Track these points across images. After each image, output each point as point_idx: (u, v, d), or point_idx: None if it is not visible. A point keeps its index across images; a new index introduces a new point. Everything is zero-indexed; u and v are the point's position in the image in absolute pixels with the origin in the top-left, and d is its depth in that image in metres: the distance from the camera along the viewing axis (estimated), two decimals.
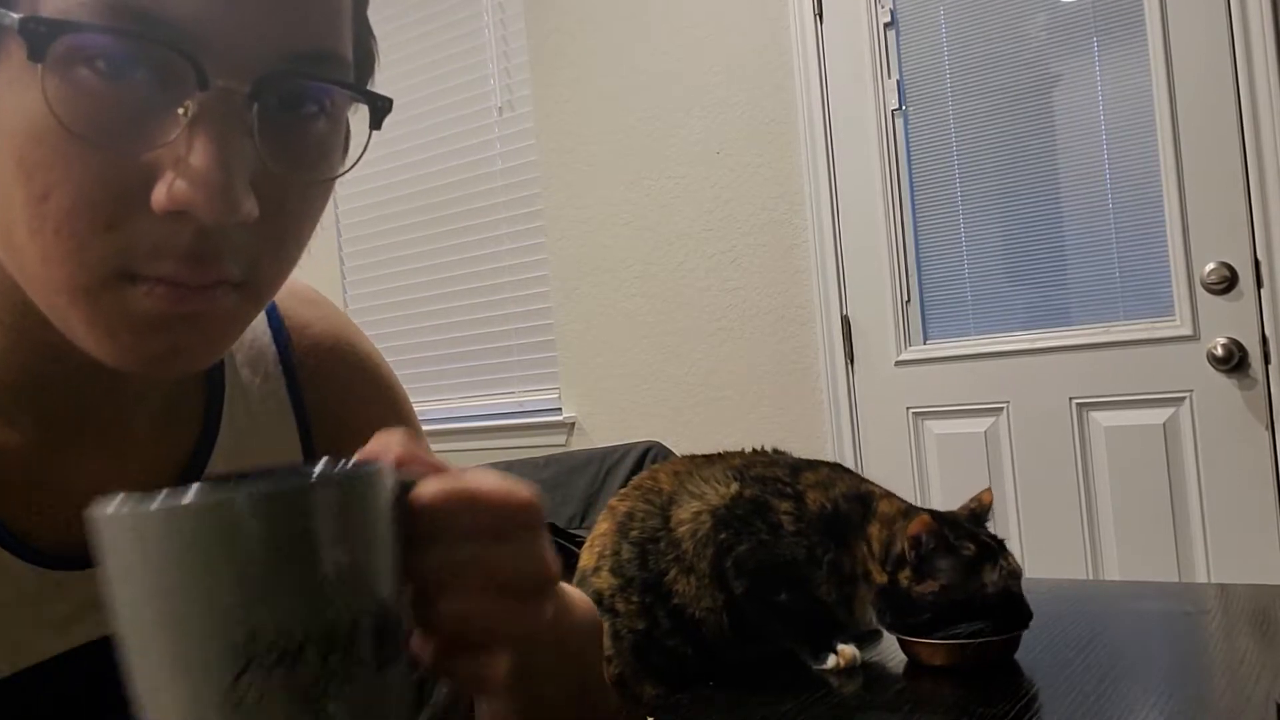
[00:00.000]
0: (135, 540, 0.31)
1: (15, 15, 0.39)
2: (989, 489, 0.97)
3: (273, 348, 0.63)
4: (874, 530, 0.93)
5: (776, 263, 2.59)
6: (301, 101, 0.44)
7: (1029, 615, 0.89)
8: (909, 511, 0.93)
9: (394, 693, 0.34)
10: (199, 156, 0.40)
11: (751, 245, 2.63)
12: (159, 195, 0.40)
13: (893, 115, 2.42)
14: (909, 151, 2.42)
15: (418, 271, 3.31)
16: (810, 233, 2.53)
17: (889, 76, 2.42)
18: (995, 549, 0.89)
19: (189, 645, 0.31)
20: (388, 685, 0.34)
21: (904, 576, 0.89)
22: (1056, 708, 0.78)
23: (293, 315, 0.65)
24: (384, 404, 0.68)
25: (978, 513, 0.94)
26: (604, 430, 2.90)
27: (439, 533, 0.38)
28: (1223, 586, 1.14)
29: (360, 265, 3.46)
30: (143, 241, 0.41)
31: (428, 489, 0.38)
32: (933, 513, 0.92)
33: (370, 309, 3.38)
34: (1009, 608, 0.88)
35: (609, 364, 2.89)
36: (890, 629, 0.92)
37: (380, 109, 0.47)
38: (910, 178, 2.42)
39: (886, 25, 2.42)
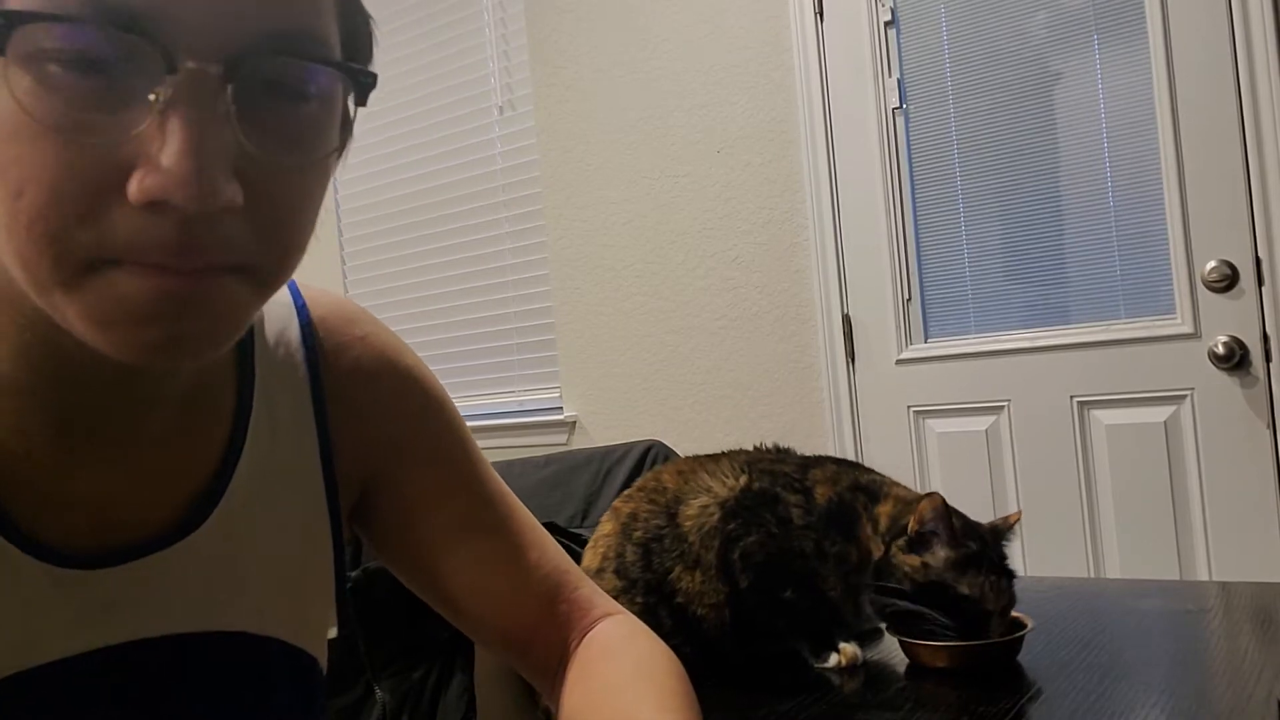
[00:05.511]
0: None
1: None
2: (1019, 511, 0.97)
3: (304, 367, 0.62)
4: (885, 509, 0.93)
5: (777, 262, 2.59)
6: (283, 82, 0.42)
7: (986, 638, 0.87)
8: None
9: None
10: (171, 144, 0.39)
11: (752, 244, 2.63)
12: (133, 187, 0.39)
13: (893, 114, 2.42)
14: (910, 150, 2.42)
15: (418, 271, 3.31)
16: (811, 231, 2.53)
17: (889, 75, 2.42)
18: (994, 562, 0.89)
19: None
20: None
21: (898, 545, 0.89)
22: (1057, 706, 0.78)
23: (331, 335, 0.65)
24: (429, 416, 0.69)
25: (999, 530, 0.94)
26: (604, 429, 2.90)
27: None
28: (1224, 584, 1.13)
29: (361, 265, 3.46)
30: (121, 233, 0.40)
31: None
32: (953, 509, 0.92)
33: (371, 309, 3.34)
34: (972, 623, 0.87)
35: (609, 363, 2.89)
36: (873, 607, 0.92)
37: (364, 85, 0.45)
38: (911, 176, 2.42)
39: (887, 24, 2.42)
